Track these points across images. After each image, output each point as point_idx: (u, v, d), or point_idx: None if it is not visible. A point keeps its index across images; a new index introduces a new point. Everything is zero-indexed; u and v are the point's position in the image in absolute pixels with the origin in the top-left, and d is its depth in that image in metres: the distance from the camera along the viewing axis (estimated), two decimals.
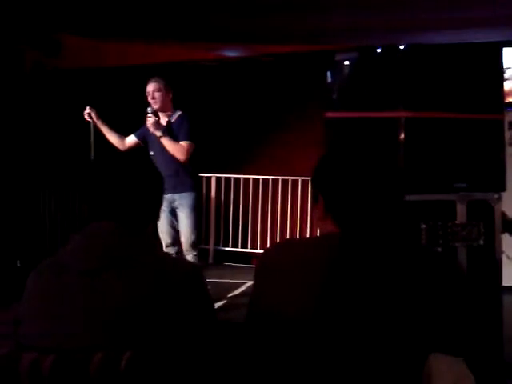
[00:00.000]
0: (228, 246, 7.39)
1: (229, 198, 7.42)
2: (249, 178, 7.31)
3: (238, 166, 7.28)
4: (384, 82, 3.39)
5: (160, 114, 4.85)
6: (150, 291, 1.53)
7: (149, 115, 4.72)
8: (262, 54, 6.56)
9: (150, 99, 4.78)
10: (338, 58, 3.53)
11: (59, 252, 1.64)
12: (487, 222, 3.28)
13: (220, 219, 7.47)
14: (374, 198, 1.48)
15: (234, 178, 7.36)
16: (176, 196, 4.79)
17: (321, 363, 1.38)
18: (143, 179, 1.73)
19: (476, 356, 1.40)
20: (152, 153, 4.80)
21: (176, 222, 4.91)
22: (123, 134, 5.07)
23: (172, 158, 4.71)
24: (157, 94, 4.77)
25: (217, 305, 5.18)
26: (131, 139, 5.00)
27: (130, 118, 6.31)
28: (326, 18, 4.55)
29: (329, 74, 3.56)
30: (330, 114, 3.54)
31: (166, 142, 4.69)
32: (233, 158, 7.24)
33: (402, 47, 3.54)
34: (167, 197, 4.72)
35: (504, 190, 3.39)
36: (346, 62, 3.50)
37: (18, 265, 6.02)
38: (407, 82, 3.36)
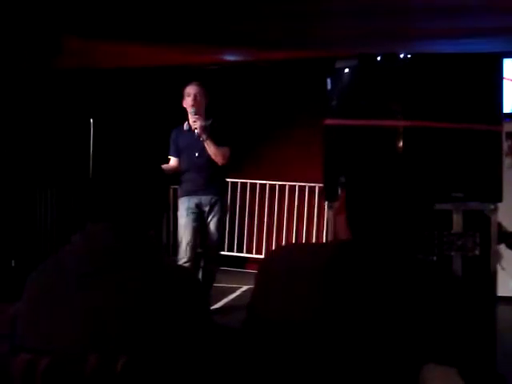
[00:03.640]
0: (224, 251, 7.38)
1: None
2: (246, 183, 7.31)
3: (235, 171, 7.27)
4: (383, 91, 3.40)
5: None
6: (147, 295, 1.52)
7: (195, 116, 4.78)
8: (262, 60, 6.57)
9: (190, 101, 4.84)
10: (338, 65, 3.54)
11: (59, 253, 1.63)
12: (483, 233, 3.29)
13: None
14: (396, 207, 1.48)
15: (232, 182, 7.36)
16: (211, 198, 4.86)
17: (317, 370, 1.38)
18: (146, 182, 1.72)
19: (470, 367, 1.40)
20: (195, 154, 4.84)
21: (200, 226, 4.92)
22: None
23: (209, 161, 4.79)
24: (199, 97, 4.86)
25: (212, 309, 5.18)
26: (174, 161, 5.01)
27: (129, 119, 6.32)
28: (326, 25, 4.56)
29: (328, 81, 3.57)
30: (328, 121, 3.55)
31: (211, 146, 4.77)
32: (230, 163, 7.24)
33: (401, 56, 3.55)
34: (198, 199, 4.82)
35: (500, 200, 3.39)
36: (346, 70, 3.51)
37: (13, 265, 6.00)
38: (406, 90, 3.36)
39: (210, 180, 4.86)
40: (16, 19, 4.71)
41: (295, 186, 7.09)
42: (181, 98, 5.01)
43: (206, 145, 4.77)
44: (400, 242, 1.48)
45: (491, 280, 3.30)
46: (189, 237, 4.83)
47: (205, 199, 4.86)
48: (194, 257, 4.88)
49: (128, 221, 1.65)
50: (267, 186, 7.23)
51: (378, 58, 3.58)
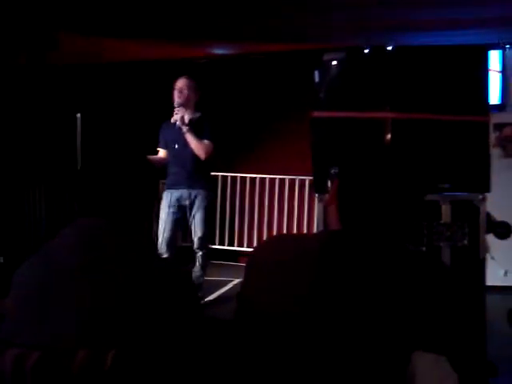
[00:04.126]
0: (215, 244, 7.39)
1: (216, 196, 7.42)
2: (236, 177, 7.32)
3: (226, 165, 7.28)
4: (371, 83, 3.41)
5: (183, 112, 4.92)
6: (137, 289, 1.52)
7: (177, 109, 4.82)
8: (250, 52, 6.58)
9: (176, 93, 4.88)
10: (325, 57, 3.55)
11: (46, 247, 1.62)
12: (472, 223, 3.32)
13: None
14: (387, 198, 1.50)
15: (222, 176, 7.37)
16: (191, 192, 4.87)
17: (307, 359, 1.39)
18: (134, 175, 1.72)
19: (460, 355, 1.41)
20: (175, 146, 4.88)
21: (182, 220, 4.94)
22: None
23: (192, 155, 4.81)
24: (185, 90, 4.89)
25: (203, 302, 5.19)
26: (162, 152, 5.03)
27: (123, 114, 6.30)
28: (313, 18, 4.57)
29: (316, 73, 3.57)
30: (316, 114, 3.56)
31: (191, 138, 4.79)
32: (220, 157, 7.23)
33: (389, 48, 3.56)
34: (179, 192, 4.82)
35: (489, 191, 3.42)
36: (334, 62, 3.52)
37: (2, 261, 5.98)
38: (394, 83, 3.37)
39: (192, 174, 4.86)
40: (12, 15, 4.69)
41: (285, 179, 7.10)
42: (169, 92, 5.03)
43: (186, 137, 4.80)
44: (390, 232, 1.50)
45: (480, 269, 3.33)
46: (166, 233, 4.86)
47: (185, 193, 4.87)
48: (173, 252, 4.91)
49: (117, 214, 1.65)
50: (257, 179, 7.23)
51: (366, 51, 3.59)
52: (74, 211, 1.70)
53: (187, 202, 4.90)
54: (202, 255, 5.04)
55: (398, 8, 4.30)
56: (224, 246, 7.34)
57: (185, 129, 4.79)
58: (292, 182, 7.09)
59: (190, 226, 4.98)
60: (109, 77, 6.84)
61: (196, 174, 4.89)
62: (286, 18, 4.59)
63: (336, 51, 3.85)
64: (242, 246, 7.23)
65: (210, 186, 5.11)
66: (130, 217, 1.69)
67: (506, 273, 5.99)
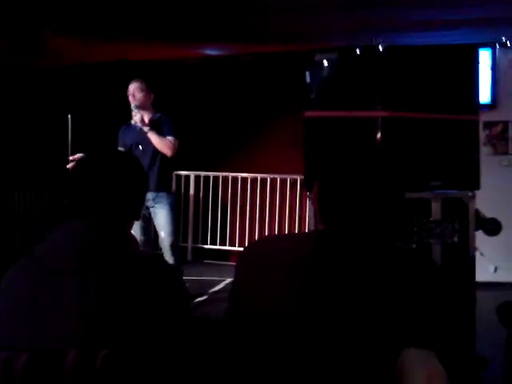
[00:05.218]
0: (206, 244, 7.40)
1: (207, 196, 7.43)
2: (227, 176, 7.32)
3: (217, 164, 7.29)
4: (362, 83, 3.43)
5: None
6: (126, 290, 1.52)
7: (135, 111, 4.81)
8: (242, 54, 6.59)
9: (130, 97, 4.89)
10: (317, 58, 3.57)
11: (34, 249, 1.61)
12: (462, 220, 3.35)
13: (198, 217, 7.47)
14: (365, 195, 1.50)
15: (213, 175, 7.38)
16: (155, 194, 4.81)
17: (299, 357, 1.40)
18: (123, 176, 1.71)
19: (449, 350, 1.43)
20: (139, 148, 4.83)
21: (146, 223, 4.90)
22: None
23: (154, 155, 4.78)
24: (137, 94, 4.89)
25: (195, 302, 5.20)
26: None
27: (110, 115, 6.29)
28: (305, 18, 4.59)
29: (308, 73, 3.59)
30: (308, 114, 3.58)
31: (154, 137, 4.77)
32: (211, 156, 7.26)
33: (380, 48, 3.59)
34: (147, 195, 4.73)
35: (478, 188, 3.45)
36: (325, 63, 3.54)
37: None
38: (385, 82, 3.40)
39: (156, 175, 4.81)
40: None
41: (277, 178, 7.11)
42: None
43: (149, 136, 4.78)
44: (371, 230, 1.50)
45: (470, 266, 3.36)
46: (137, 237, 4.84)
47: (149, 195, 4.77)
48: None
49: (106, 217, 1.64)
50: (248, 179, 7.24)
51: (357, 51, 3.62)
52: (64, 213, 1.69)
53: (150, 203, 4.84)
54: (173, 260, 4.94)
55: (389, 8, 4.33)
56: (216, 245, 7.34)
57: (146, 129, 4.78)
58: (283, 180, 7.10)
59: (158, 228, 4.93)
60: (97, 77, 6.83)
61: (159, 174, 4.84)
62: (276, 18, 4.61)
63: (327, 51, 3.87)
64: (234, 246, 7.23)
65: (171, 186, 5.11)
66: (120, 217, 1.68)
67: (495, 269, 6.03)
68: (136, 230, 4.77)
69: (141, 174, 1.78)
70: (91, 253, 1.55)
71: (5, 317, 1.57)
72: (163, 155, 4.81)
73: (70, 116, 4.98)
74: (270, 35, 5.17)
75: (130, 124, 4.96)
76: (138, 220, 1.78)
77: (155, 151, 4.80)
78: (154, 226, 5.00)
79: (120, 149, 4.92)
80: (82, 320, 1.49)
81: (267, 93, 7.01)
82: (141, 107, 4.86)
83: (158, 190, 4.82)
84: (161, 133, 4.82)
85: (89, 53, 5.87)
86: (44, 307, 1.52)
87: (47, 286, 1.53)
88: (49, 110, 6.66)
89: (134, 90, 4.90)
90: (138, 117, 4.80)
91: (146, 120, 4.87)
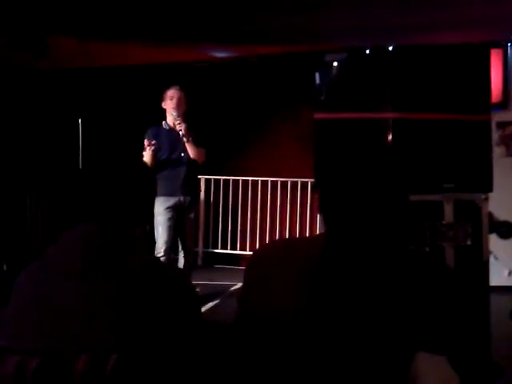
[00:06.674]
0: (217, 248, 7.38)
1: (218, 200, 7.42)
2: (238, 180, 7.31)
3: (228, 168, 7.28)
4: (372, 83, 3.40)
5: None
6: (136, 294, 1.53)
7: (178, 119, 4.97)
8: (251, 55, 6.56)
9: (173, 104, 5.02)
10: (326, 59, 3.54)
11: (46, 253, 1.63)
12: (474, 223, 3.30)
13: (209, 221, 7.46)
14: (366, 198, 1.48)
15: (224, 179, 7.36)
16: (188, 198, 5.02)
17: (309, 362, 1.39)
18: (132, 182, 1.73)
19: (464, 356, 1.40)
20: (180, 154, 5.00)
21: (174, 223, 5.01)
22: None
23: (190, 163, 4.99)
24: (182, 104, 5.06)
25: (206, 306, 5.18)
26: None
27: (118, 118, 6.29)
28: (315, 18, 4.56)
29: (317, 75, 3.57)
30: (318, 115, 3.55)
31: (193, 147, 4.99)
32: (222, 160, 7.24)
33: (390, 48, 3.55)
34: (177, 199, 4.93)
35: (491, 190, 3.40)
36: (335, 63, 3.51)
37: (4, 269, 5.98)
38: (395, 83, 3.37)
39: (190, 181, 5.07)
40: (3, 20, 4.69)
41: (287, 181, 7.09)
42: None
43: (187, 145, 4.96)
44: (378, 232, 1.47)
45: (484, 269, 3.31)
46: (165, 237, 4.94)
47: (183, 199, 5.01)
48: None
49: (116, 221, 1.66)
50: (259, 182, 7.22)
51: (367, 51, 3.58)
52: (74, 216, 1.70)
53: (182, 207, 5.03)
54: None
55: (400, 8, 4.29)
56: (227, 250, 7.33)
57: (190, 138, 4.96)
58: (294, 184, 7.07)
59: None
60: (108, 81, 6.84)
61: (192, 180, 5.12)
62: (286, 19, 4.58)
63: (337, 52, 3.84)
64: (245, 250, 7.22)
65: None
66: (129, 221, 1.69)
67: (510, 273, 5.96)
68: (163, 229, 4.94)
69: (150, 180, 1.80)
70: (101, 256, 1.57)
71: (16, 318, 1.58)
72: (195, 162, 5.04)
73: (80, 120, 4.99)
74: (277, 36, 5.15)
75: (160, 126, 5.09)
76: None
77: (190, 159, 5.00)
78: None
79: (150, 147, 4.95)
80: (91, 323, 1.50)
81: (278, 95, 7.00)
82: (180, 116, 5.00)
83: (192, 194, 5.08)
84: (195, 142, 5.02)
85: (97, 56, 5.87)
86: (54, 309, 1.53)
87: (57, 289, 1.54)
88: (60, 114, 6.67)
89: (180, 99, 5.04)
90: (183, 127, 4.95)
91: (184, 130, 4.99)
